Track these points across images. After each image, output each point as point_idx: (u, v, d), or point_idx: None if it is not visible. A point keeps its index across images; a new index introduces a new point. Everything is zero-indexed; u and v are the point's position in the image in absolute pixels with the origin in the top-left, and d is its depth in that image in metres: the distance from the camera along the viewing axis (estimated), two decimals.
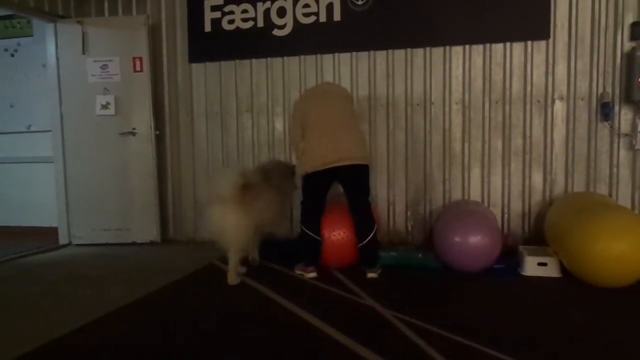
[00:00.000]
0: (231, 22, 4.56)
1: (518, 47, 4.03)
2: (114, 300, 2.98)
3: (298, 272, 3.49)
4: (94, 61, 4.63)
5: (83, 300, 3.07)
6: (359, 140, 3.42)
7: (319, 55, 4.43)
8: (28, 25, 5.38)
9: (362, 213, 3.42)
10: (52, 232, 4.92)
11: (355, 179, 3.40)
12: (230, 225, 3.23)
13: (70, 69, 4.67)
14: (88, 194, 4.70)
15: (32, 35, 5.38)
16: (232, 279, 3.30)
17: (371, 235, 3.38)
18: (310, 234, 3.44)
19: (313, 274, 3.42)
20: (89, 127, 4.65)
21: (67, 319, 2.68)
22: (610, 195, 3.94)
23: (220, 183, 3.24)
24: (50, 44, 4.71)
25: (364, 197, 3.45)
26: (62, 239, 4.83)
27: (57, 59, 4.69)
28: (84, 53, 4.62)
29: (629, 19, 3.82)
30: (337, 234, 3.50)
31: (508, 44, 4.04)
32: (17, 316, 2.84)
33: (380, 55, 4.31)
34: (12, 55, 5.49)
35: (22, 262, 4.18)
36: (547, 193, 4.07)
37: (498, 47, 4.07)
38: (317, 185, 3.43)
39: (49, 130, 4.87)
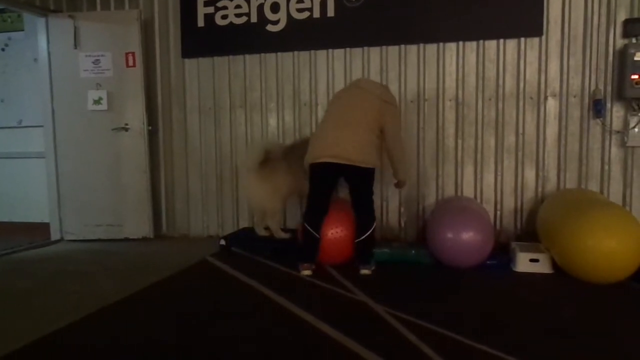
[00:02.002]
0: (224, 17, 4.54)
1: (511, 43, 4.04)
2: (106, 297, 2.96)
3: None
4: (86, 56, 4.59)
5: (74, 297, 3.05)
6: (365, 144, 3.29)
7: (312, 51, 4.42)
8: (19, 19, 5.32)
9: (361, 211, 3.44)
10: (44, 227, 4.89)
11: (354, 179, 3.39)
12: (254, 193, 3.82)
13: (61, 63, 4.63)
14: (80, 189, 4.67)
15: (23, 30, 5.32)
16: (280, 234, 4.00)
17: (368, 232, 3.39)
18: (310, 230, 3.43)
19: (308, 271, 3.41)
20: (81, 123, 4.62)
21: (59, 315, 2.66)
22: (601, 192, 3.97)
23: (247, 155, 3.89)
24: (41, 38, 4.66)
25: (365, 196, 3.44)
26: (54, 235, 4.80)
27: (49, 53, 4.65)
28: (75, 48, 4.58)
29: (621, 16, 3.84)
30: (334, 232, 3.50)
31: (501, 40, 4.05)
32: (8, 312, 2.82)
33: (374, 52, 4.30)
34: (3, 50, 5.43)
35: (13, 257, 4.16)
36: (540, 190, 4.09)
37: (491, 44, 4.08)
38: (320, 178, 3.41)
39: (41, 126, 4.83)
